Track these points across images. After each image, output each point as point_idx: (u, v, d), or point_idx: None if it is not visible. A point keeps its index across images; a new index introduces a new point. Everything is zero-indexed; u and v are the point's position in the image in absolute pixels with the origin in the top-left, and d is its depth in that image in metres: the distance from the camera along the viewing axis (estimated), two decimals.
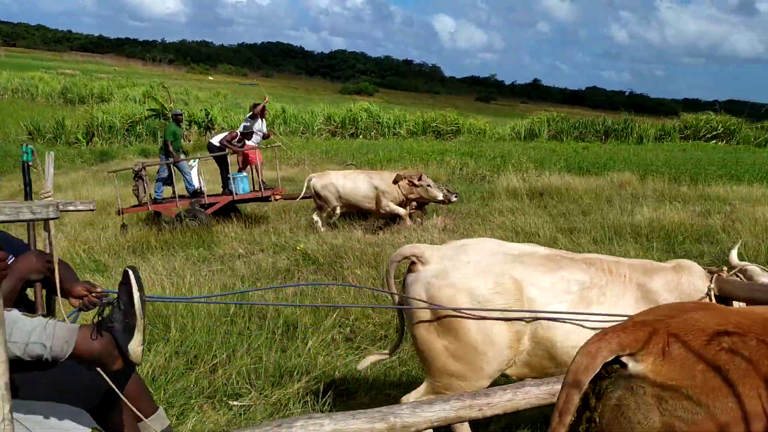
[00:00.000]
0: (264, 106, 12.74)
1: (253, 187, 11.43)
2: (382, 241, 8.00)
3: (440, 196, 9.74)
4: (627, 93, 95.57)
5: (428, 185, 9.77)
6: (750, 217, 9.10)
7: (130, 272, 2.04)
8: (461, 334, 2.95)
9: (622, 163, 17.23)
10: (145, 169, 11.12)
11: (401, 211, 9.76)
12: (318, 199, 10.21)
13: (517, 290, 2.92)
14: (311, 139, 27.95)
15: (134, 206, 11.02)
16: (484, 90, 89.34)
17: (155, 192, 11.52)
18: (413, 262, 3.14)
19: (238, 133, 12.23)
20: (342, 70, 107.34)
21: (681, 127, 29.76)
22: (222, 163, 11.63)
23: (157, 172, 12.04)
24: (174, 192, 11.37)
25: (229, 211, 11.29)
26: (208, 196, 11.29)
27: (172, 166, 11.31)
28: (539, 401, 2.48)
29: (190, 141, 27.18)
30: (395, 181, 9.83)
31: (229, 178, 11.18)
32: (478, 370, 2.99)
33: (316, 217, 10.19)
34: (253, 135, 12.27)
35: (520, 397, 2.46)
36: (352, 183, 10.06)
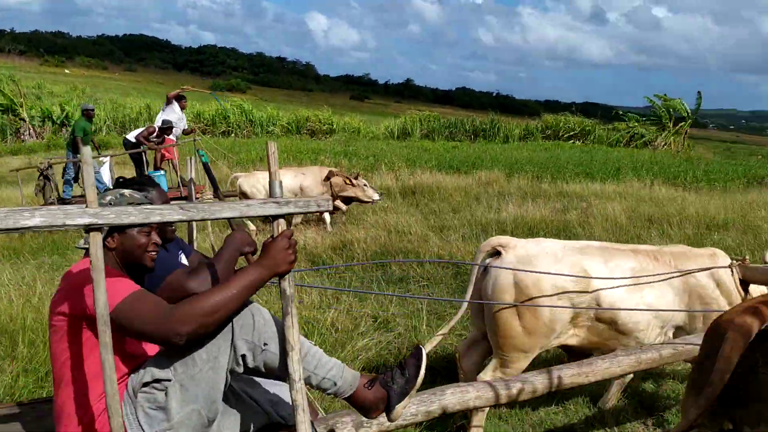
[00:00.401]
0: (181, 95, 12.00)
1: (172, 186, 10.93)
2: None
3: (376, 197, 9.90)
4: (494, 94, 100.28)
5: (365, 185, 9.90)
6: (602, 212, 9.78)
7: (423, 351, 2.37)
8: (539, 312, 3.38)
9: (489, 162, 17.96)
10: (51, 167, 10.39)
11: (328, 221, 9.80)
12: (243, 199, 9.98)
13: (587, 278, 3.43)
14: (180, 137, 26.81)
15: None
16: (359, 89, 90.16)
17: (64, 192, 10.74)
18: (498, 252, 3.56)
19: (156, 128, 11.43)
20: (212, 65, 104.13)
21: (543, 127, 31.54)
22: (138, 161, 11.06)
23: (63, 171, 11.23)
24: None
25: None
26: None
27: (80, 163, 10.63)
28: (631, 368, 3.04)
29: (43, 139, 25.23)
30: (327, 178, 9.76)
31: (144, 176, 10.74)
32: (544, 343, 3.49)
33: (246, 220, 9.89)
34: (173, 129, 11.53)
35: (615, 365, 2.99)
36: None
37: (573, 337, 3.55)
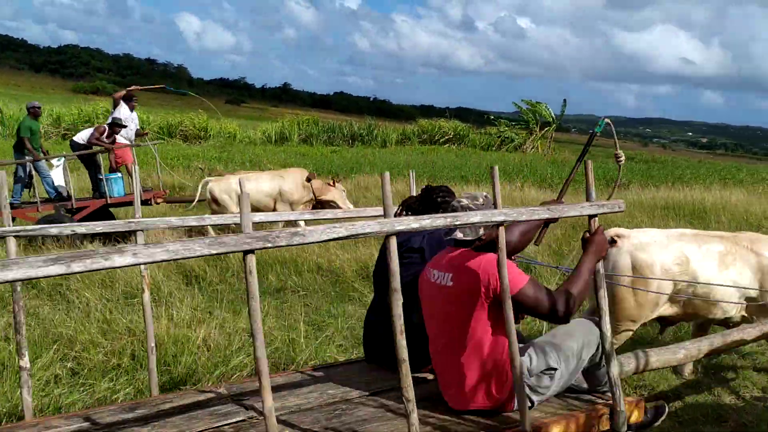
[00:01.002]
0: (130, 95, 10.89)
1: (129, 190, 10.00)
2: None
3: (351, 206, 9.72)
4: (371, 98, 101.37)
5: (342, 190, 9.89)
6: None
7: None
8: (650, 287, 4.11)
9: (368, 167, 18.02)
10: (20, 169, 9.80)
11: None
12: (215, 205, 9.48)
13: (687, 261, 4.13)
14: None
15: None
16: (235, 92, 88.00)
17: (12, 196, 9.63)
18: (614, 240, 4.21)
19: (106, 127, 10.39)
20: (74, 66, 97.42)
21: (419, 131, 32.26)
22: (90, 162, 10.20)
23: (14, 173, 10.09)
24: (35, 195, 9.67)
25: (101, 218, 9.48)
26: (77, 199, 9.78)
27: (29, 165, 9.68)
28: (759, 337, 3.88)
29: None
30: (308, 180, 9.59)
31: (100, 180, 9.83)
32: (648, 315, 4.22)
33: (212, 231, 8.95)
34: (124, 128, 10.45)
35: (746, 334, 3.77)
36: (254, 183, 9.46)
37: (669, 309, 4.26)
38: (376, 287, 3.52)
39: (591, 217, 2.73)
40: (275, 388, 2.67)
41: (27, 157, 9.85)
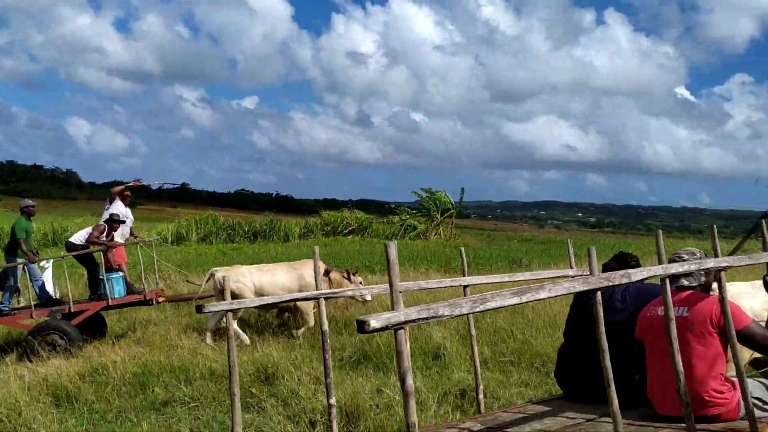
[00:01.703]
0: (128, 188, 10.55)
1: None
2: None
3: (369, 297, 9.18)
4: (273, 194, 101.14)
5: (360, 282, 9.36)
6: (382, 304, 9.64)
7: None
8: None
9: (269, 261, 17.39)
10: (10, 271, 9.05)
11: (309, 314, 8.81)
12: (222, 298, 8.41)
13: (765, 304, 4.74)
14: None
15: None
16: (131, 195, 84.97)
17: (2, 302, 9.00)
18: None
19: (105, 226, 9.73)
20: None
21: (322, 224, 32.07)
22: (89, 262, 9.55)
23: (1, 279, 9.27)
24: (23, 300, 9.43)
25: (92, 324, 9.17)
26: (74, 302, 8.97)
27: (20, 270, 9.17)
28: None
29: None
30: (326, 273, 8.92)
31: (101, 280, 9.17)
32: None
33: (210, 323, 8.48)
34: (123, 224, 9.89)
35: None
36: (270, 276, 8.88)
37: None
38: (570, 331, 4.26)
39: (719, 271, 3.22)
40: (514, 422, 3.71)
41: (19, 260, 9.19)
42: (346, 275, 9.36)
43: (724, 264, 3.11)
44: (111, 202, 10.41)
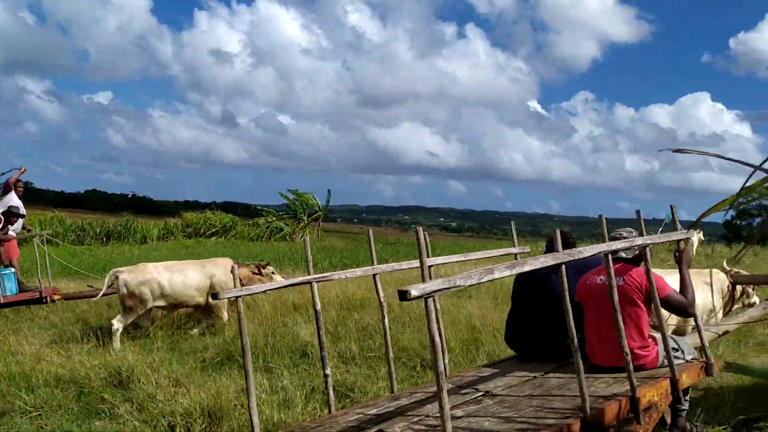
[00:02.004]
0: (18, 179, 9.76)
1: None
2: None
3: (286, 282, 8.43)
4: (129, 195, 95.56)
5: (272, 272, 9.18)
6: (248, 304, 9.36)
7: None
8: None
9: (124, 263, 16.33)
10: None
11: (224, 309, 8.72)
12: (129, 299, 8.21)
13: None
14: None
15: None
16: None
17: None
18: None
19: (1, 217, 9.12)
20: None
21: (183, 225, 30.71)
22: None
23: None
24: None
25: None
26: None
27: None
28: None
29: None
30: (232, 270, 7.73)
31: None
32: None
33: (117, 324, 7.99)
34: (22, 217, 9.47)
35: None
36: (181, 276, 8.47)
37: None
38: (517, 301, 4.90)
39: (679, 241, 4.32)
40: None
41: None
42: (256, 270, 9.08)
43: (649, 241, 3.90)
44: (5, 193, 9.77)
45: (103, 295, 8.83)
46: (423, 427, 3.41)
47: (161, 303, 8.44)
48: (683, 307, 4.15)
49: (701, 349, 4.28)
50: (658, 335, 4.01)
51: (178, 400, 5.24)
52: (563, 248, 3.87)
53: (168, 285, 8.39)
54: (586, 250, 3.45)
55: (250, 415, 3.57)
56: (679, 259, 4.31)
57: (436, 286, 2.52)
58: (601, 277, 4.09)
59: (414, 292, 2.40)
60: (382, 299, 4.51)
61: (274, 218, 32.18)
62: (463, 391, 4.01)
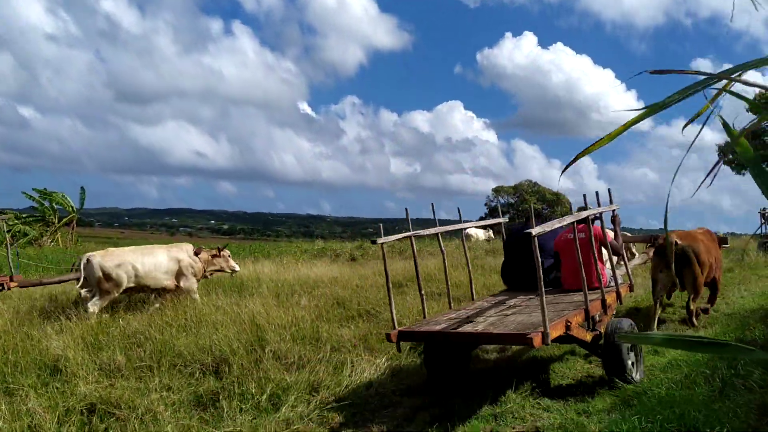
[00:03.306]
0: None
1: None
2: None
3: (237, 268, 10.07)
4: None
5: (228, 255, 9.90)
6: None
7: None
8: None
9: None
10: None
11: (196, 292, 9.18)
12: (105, 283, 8.40)
13: None
14: None
15: None
16: None
17: None
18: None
19: None
20: None
21: None
22: None
23: None
24: None
25: None
26: None
27: None
28: None
29: None
30: (196, 253, 9.36)
31: None
32: None
33: (92, 308, 8.29)
34: None
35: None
36: (152, 258, 8.83)
37: None
38: (508, 257, 7.40)
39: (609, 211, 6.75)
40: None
41: None
42: (216, 252, 9.79)
43: (591, 214, 6.01)
44: None
45: (64, 280, 9.38)
46: (495, 319, 5.58)
47: (132, 285, 8.68)
48: (616, 250, 6.61)
49: (626, 275, 6.83)
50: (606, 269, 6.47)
51: None
52: (536, 221, 7.07)
53: (141, 267, 8.67)
54: (563, 220, 5.44)
55: None
56: (613, 221, 6.92)
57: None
58: (570, 234, 6.19)
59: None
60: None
61: (17, 222, 28.19)
62: (495, 304, 6.36)
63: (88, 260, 8.54)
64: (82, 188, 29.85)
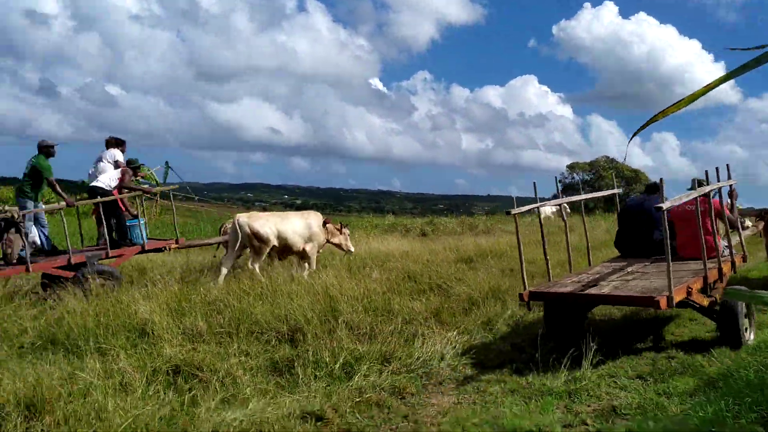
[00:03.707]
0: (121, 140, 10.75)
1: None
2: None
3: (353, 249, 10.87)
4: None
5: (348, 235, 10.66)
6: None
7: None
8: None
9: None
10: (24, 217, 8.60)
11: (315, 260, 9.85)
12: (256, 241, 9.29)
13: None
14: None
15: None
16: None
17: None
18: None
19: (130, 171, 9.80)
20: None
21: None
22: (113, 208, 9.41)
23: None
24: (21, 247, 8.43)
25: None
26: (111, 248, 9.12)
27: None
28: None
29: None
30: (324, 224, 10.01)
31: (128, 227, 9.51)
32: None
33: (254, 265, 9.16)
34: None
35: None
36: (290, 222, 9.63)
37: None
38: (624, 227, 7.67)
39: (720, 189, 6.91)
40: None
41: (41, 204, 9.19)
42: (339, 227, 10.52)
43: (714, 188, 6.59)
44: (112, 148, 10.47)
45: (220, 241, 10.50)
46: (619, 284, 6.05)
47: (275, 244, 9.43)
48: (733, 222, 7.01)
49: (740, 246, 7.10)
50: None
51: None
52: (654, 191, 7.23)
53: (282, 229, 9.46)
54: (686, 196, 5.90)
55: None
56: (731, 195, 7.30)
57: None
58: (690, 205, 6.39)
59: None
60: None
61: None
62: (614, 270, 6.79)
63: (238, 221, 9.42)
64: (166, 163, 30.92)
